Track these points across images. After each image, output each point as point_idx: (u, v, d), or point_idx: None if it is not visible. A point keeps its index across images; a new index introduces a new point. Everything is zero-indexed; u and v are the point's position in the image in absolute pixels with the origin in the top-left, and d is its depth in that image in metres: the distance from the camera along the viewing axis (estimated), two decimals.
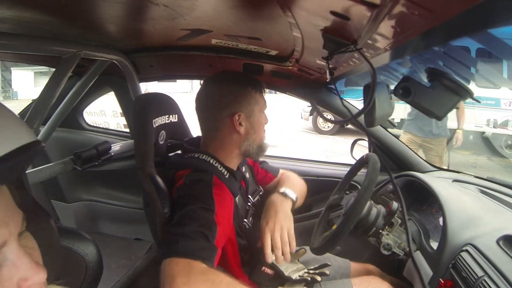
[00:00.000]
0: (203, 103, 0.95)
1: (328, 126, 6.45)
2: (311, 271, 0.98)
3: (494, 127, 4.98)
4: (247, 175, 1.08)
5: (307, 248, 1.01)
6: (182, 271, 0.64)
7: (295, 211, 1.47)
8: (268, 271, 0.97)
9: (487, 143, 5.29)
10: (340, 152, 5.43)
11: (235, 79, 0.96)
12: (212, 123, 0.94)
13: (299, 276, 0.96)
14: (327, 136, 6.33)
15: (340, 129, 6.43)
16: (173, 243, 0.70)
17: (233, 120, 0.91)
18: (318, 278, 0.94)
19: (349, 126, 6.80)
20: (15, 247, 0.34)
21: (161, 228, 0.87)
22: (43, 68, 13.10)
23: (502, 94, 4.95)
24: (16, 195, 0.38)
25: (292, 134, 6.53)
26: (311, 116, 6.40)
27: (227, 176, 0.92)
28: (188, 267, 0.66)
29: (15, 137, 0.34)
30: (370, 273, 1.13)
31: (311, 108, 6.44)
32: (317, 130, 6.51)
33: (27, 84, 14.72)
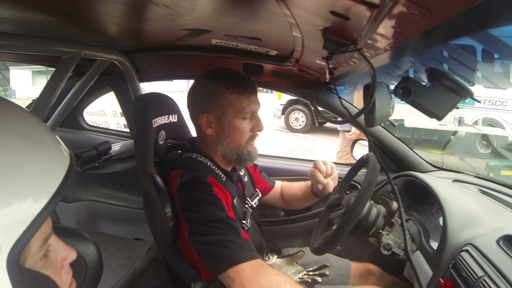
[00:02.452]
0: (187, 100, 0.95)
1: (300, 125, 6.60)
2: (311, 273, 0.97)
3: (459, 125, 4.84)
4: (246, 178, 1.08)
5: (306, 250, 1.01)
6: (254, 272, 0.73)
7: (295, 211, 1.48)
8: None
9: (461, 143, 5.23)
10: (301, 149, 5.54)
11: (211, 77, 0.91)
12: (192, 121, 0.94)
13: (299, 278, 0.96)
14: (297, 134, 6.46)
15: (312, 127, 6.60)
16: (220, 256, 0.75)
17: (200, 120, 0.89)
18: (319, 279, 0.94)
19: (327, 124, 6.83)
20: (54, 235, 0.42)
21: (162, 228, 0.87)
22: (41, 67, 13.06)
23: (477, 93, 4.89)
24: None
25: (263, 132, 6.60)
26: (284, 115, 6.61)
27: (224, 179, 0.92)
28: (253, 267, 0.74)
29: (62, 162, 0.39)
30: (371, 273, 1.13)
31: (283, 107, 6.53)
32: (289, 128, 6.66)
33: (25, 82, 14.88)
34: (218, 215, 0.79)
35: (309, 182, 1.12)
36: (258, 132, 0.95)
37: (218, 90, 0.87)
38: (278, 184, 1.23)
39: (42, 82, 14.31)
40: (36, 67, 14.27)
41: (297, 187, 1.18)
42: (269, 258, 1.05)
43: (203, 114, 0.89)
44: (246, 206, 1.01)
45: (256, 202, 1.08)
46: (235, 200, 0.93)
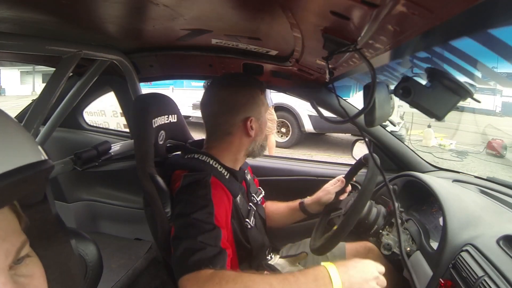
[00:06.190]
0: (215, 109, 0.95)
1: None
2: None
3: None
4: (249, 176, 1.08)
5: (308, 251, 1.01)
6: (193, 285, 0.68)
7: None
8: None
9: None
10: None
11: (244, 83, 0.97)
12: (225, 128, 0.94)
13: None
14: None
15: None
16: (182, 262, 0.73)
17: (246, 125, 0.93)
18: None
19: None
20: (2, 281, 0.32)
21: (162, 228, 0.87)
22: (29, 68, 14.12)
23: None
24: (24, 217, 0.36)
25: None
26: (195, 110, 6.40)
27: (227, 177, 0.92)
28: (196, 278, 0.69)
29: (19, 154, 0.33)
30: (370, 251, 1.12)
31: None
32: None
33: (14, 82, 15.85)
34: (202, 221, 0.77)
35: (297, 201, 1.15)
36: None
37: (255, 93, 0.95)
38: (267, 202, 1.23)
39: (29, 82, 15.44)
40: (24, 68, 15.22)
41: (283, 203, 1.19)
42: (271, 257, 1.05)
43: (248, 118, 0.93)
44: (251, 204, 1.01)
45: (260, 199, 1.08)
46: (238, 198, 0.93)
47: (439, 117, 0.60)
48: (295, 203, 1.15)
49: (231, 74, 1.24)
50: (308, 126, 5.29)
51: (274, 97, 4.90)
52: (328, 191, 1.09)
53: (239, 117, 0.93)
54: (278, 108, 4.94)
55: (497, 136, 5.78)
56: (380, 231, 0.97)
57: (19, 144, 0.34)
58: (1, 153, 0.31)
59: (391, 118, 0.74)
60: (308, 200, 1.12)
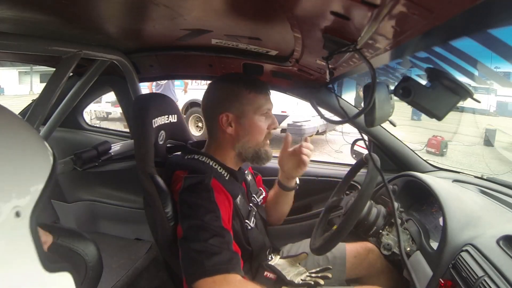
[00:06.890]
0: (203, 103, 0.98)
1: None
2: (313, 275, 0.97)
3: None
4: (249, 177, 1.08)
5: (308, 251, 1.01)
6: (227, 285, 0.70)
7: (295, 211, 1.48)
8: (271, 275, 0.97)
9: None
10: None
11: (230, 79, 0.97)
12: (208, 122, 0.96)
13: (302, 280, 0.95)
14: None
15: None
16: (198, 264, 0.72)
17: (219, 119, 0.92)
18: (321, 282, 0.93)
19: None
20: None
21: (162, 228, 0.87)
22: (27, 68, 14.68)
23: None
24: None
25: None
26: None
27: (227, 178, 0.92)
28: (226, 282, 0.70)
29: (45, 163, 0.41)
30: (370, 251, 1.12)
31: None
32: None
33: (12, 81, 16.40)
34: (212, 224, 0.78)
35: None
36: (272, 131, 0.98)
37: (238, 90, 0.93)
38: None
39: (27, 81, 16.04)
40: (22, 68, 15.71)
41: (271, 190, 1.19)
42: (272, 258, 1.05)
43: (223, 113, 0.92)
44: (251, 204, 1.01)
45: (261, 200, 1.08)
46: (238, 199, 0.93)
47: (439, 117, 0.60)
48: (276, 187, 1.14)
49: (231, 72, 1.24)
50: None
51: (190, 93, 5.54)
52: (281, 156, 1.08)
53: (216, 112, 0.93)
54: (194, 104, 5.44)
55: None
56: (380, 231, 0.97)
57: (42, 152, 0.42)
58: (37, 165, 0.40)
59: (391, 118, 0.74)
60: (279, 176, 1.12)
